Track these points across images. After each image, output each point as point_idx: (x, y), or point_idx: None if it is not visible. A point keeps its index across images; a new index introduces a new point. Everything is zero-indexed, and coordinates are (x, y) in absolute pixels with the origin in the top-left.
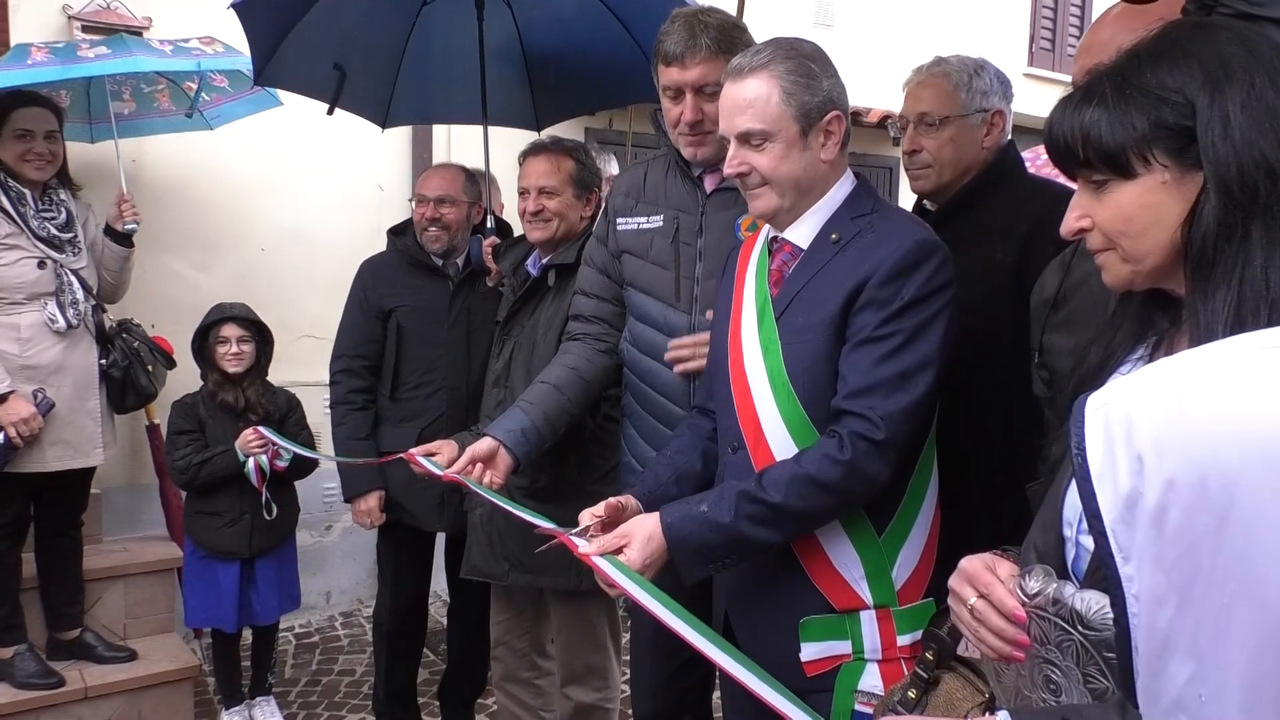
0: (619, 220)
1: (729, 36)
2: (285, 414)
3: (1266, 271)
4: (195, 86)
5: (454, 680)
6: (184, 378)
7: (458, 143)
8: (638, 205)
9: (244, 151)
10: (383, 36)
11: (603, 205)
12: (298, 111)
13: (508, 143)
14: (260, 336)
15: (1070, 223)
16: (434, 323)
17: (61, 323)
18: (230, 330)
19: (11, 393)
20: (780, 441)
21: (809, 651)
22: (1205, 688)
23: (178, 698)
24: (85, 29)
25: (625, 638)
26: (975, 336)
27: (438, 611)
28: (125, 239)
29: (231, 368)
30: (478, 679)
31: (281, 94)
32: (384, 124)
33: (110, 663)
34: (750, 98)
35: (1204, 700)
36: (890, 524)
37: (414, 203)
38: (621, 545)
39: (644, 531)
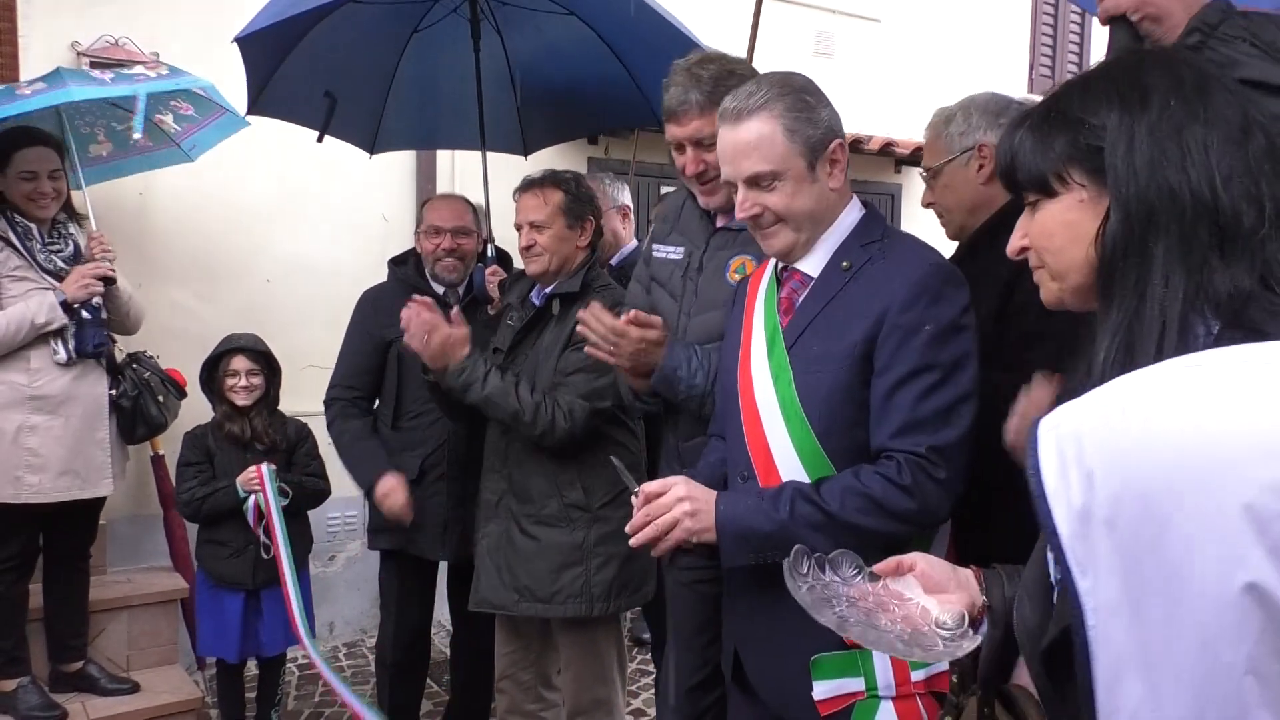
0: (654, 247)
1: (723, 87)
2: (296, 444)
3: (1164, 290)
4: (167, 119)
5: (458, 712)
6: (195, 408)
7: (461, 173)
8: (670, 234)
9: (249, 183)
10: (372, 64)
11: (600, 231)
12: (302, 143)
13: (508, 171)
14: (269, 368)
15: (1013, 242)
16: None
17: (63, 355)
18: (239, 363)
19: (57, 315)
20: (791, 470)
21: (821, 690)
22: (1157, 710)
23: None
24: (94, 64)
25: (630, 666)
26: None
27: (441, 642)
28: (108, 281)
29: (240, 400)
30: (482, 710)
31: (283, 123)
32: (372, 150)
33: (113, 695)
34: (753, 140)
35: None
36: None
37: (423, 233)
38: (665, 493)
39: (700, 494)
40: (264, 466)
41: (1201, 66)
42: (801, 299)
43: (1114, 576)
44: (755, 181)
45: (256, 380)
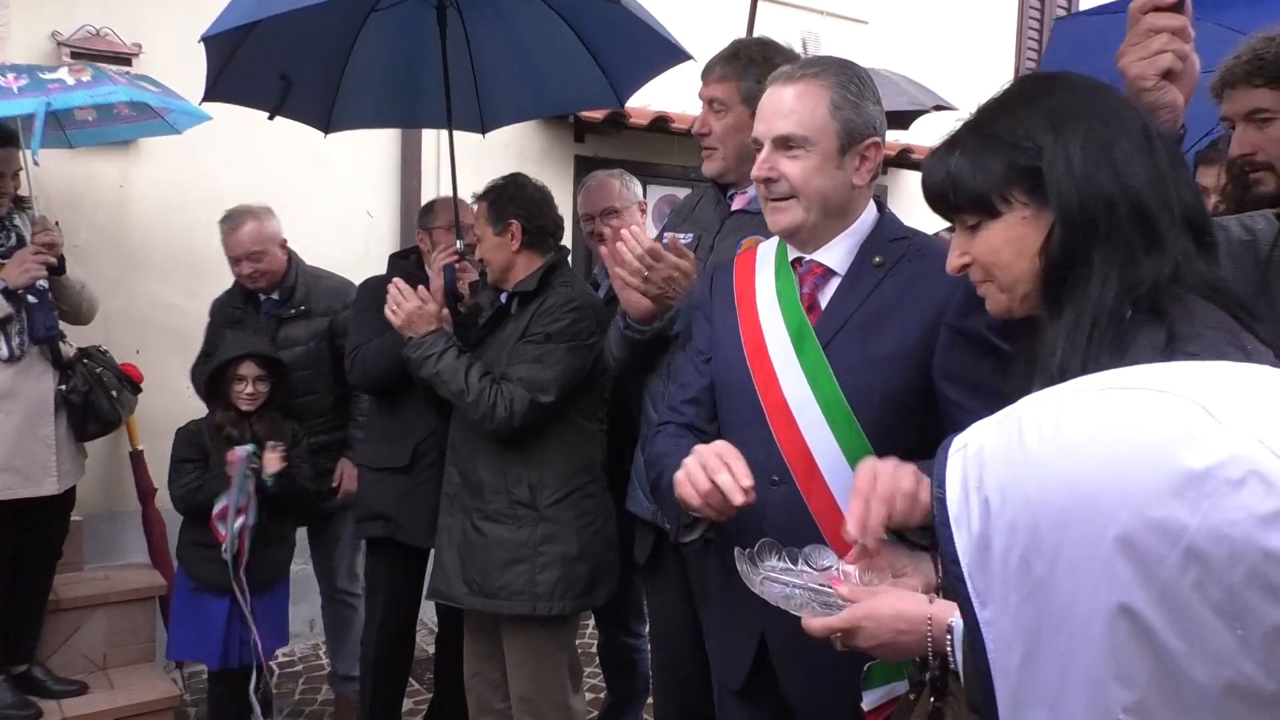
0: (665, 235)
1: (749, 61)
2: (289, 448)
3: (1102, 292)
4: (153, 91)
5: (441, 708)
6: (192, 405)
7: (445, 171)
8: (682, 225)
9: (233, 179)
10: (328, 43)
11: (546, 229)
12: (285, 138)
13: (494, 159)
14: (276, 373)
15: (953, 261)
16: None
17: (4, 351)
18: (248, 369)
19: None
20: (837, 474)
21: (871, 699)
22: None
23: None
24: (74, 55)
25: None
26: None
27: (423, 640)
28: (56, 269)
29: (245, 406)
30: (464, 710)
31: (265, 118)
32: (326, 129)
33: (61, 698)
34: (794, 102)
35: None
36: None
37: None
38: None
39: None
40: (240, 450)
41: (1102, 85)
42: (829, 295)
43: (1007, 609)
44: (782, 143)
45: (263, 387)
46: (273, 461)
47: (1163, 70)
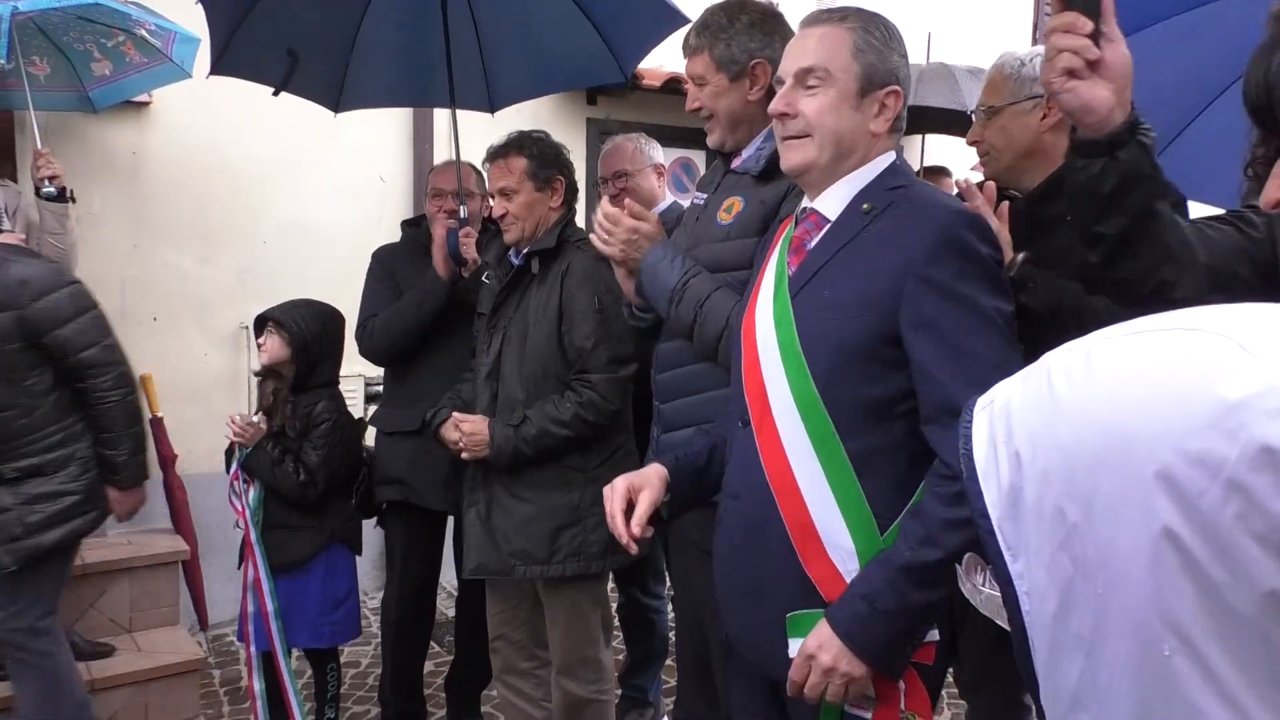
0: (695, 198)
1: (716, 29)
2: (305, 429)
3: None
4: (142, 33)
5: (462, 671)
6: (206, 371)
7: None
8: (703, 187)
9: (246, 144)
10: (335, 21)
11: (575, 188)
12: (299, 104)
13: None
14: (285, 330)
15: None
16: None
17: None
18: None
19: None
20: (788, 420)
21: (797, 648)
22: (1097, 686)
23: (183, 690)
24: None
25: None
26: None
27: (443, 603)
28: (59, 197)
29: (262, 359)
30: (486, 669)
31: (276, 95)
32: (336, 109)
33: (90, 659)
34: (818, 40)
35: (1100, 701)
36: (896, 523)
37: (467, 199)
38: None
39: (822, 641)
40: (238, 416)
41: None
42: (816, 240)
43: (1041, 558)
44: (802, 78)
45: (262, 340)
46: (234, 430)
47: (1064, 70)
